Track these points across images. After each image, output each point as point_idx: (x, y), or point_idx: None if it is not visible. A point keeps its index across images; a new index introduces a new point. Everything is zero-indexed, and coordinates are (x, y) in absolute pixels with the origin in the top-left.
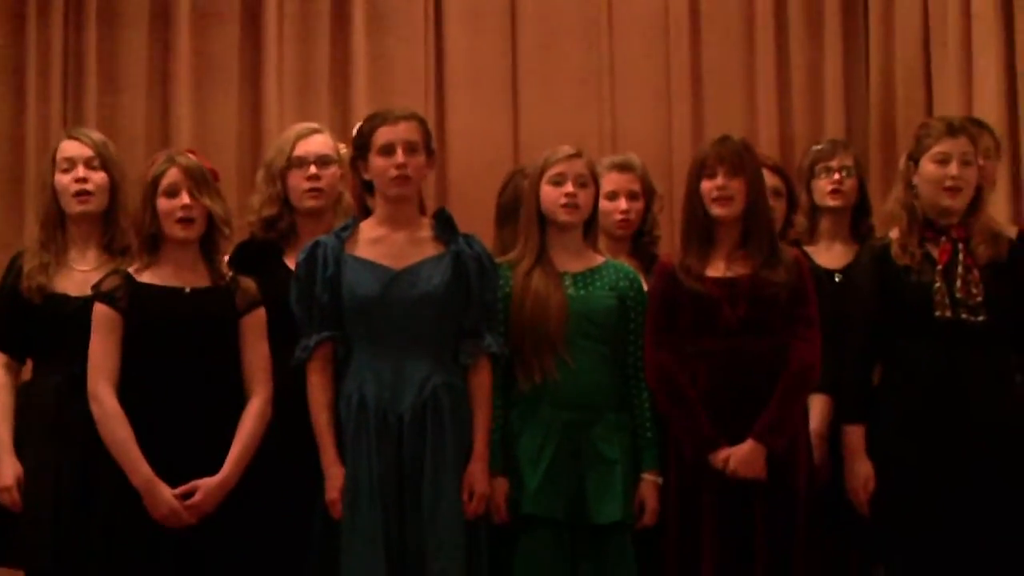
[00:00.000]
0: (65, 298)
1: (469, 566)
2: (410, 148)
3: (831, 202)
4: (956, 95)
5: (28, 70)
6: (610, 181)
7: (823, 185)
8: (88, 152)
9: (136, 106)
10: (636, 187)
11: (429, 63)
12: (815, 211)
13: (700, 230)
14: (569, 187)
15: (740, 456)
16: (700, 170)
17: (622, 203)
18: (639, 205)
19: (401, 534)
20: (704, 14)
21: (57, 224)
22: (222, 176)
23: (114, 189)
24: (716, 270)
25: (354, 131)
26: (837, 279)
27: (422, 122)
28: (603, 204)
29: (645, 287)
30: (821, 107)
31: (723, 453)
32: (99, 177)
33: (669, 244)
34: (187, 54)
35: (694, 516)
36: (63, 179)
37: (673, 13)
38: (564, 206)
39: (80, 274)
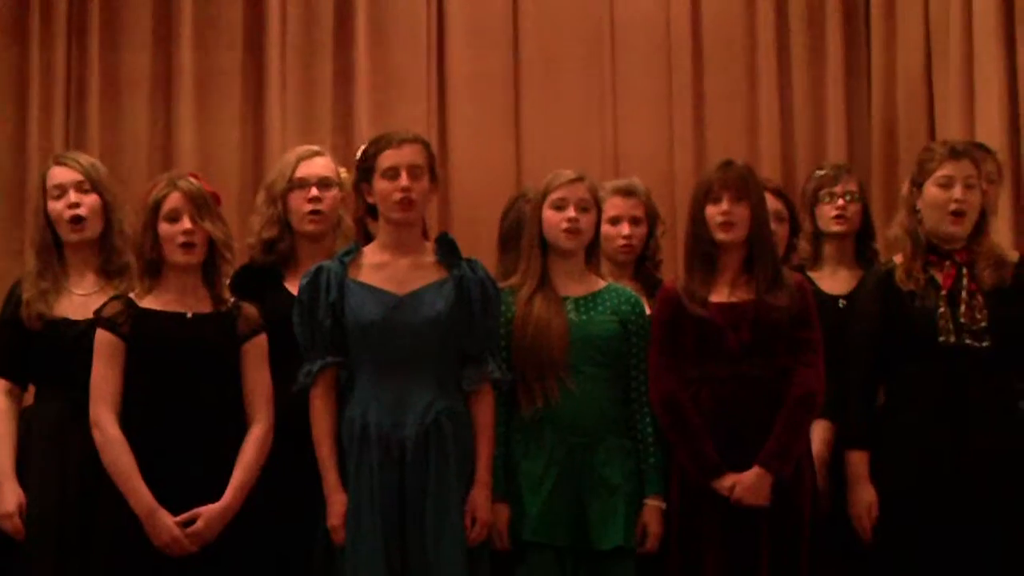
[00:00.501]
0: (66, 323)
1: None
2: (414, 172)
3: (835, 228)
4: (958, 118)
5: (31, 89)
6: (613, 206)
7: (827, 211)
8: (77, 176)
9: (139, 126)
10: (639, 212)
11: (432, 82)
12: (819, 236)
13: (704, 255)
14: (571, 212)
15: (746, 483)
16: (705, 195)
17: (625, 228)
18: (642, 230)
19: (404, 560)
20: (706, 35)
21: (52, 250)
22: (224, 195)
23: (107, 210)
24: (720, 295)
25: (358, 153)
26: (841, 304)
27: (427, 145)
28: (606, 229)
29: (648, 311)
30: (823, 129)
31: (728, 480)
32: (91, 200)
33: (671, 266)
34: (190, 73)
35: (696, 541)
36: (56, 206)
37: (675, 35)
38: (566, 231)
39: (80, 298)
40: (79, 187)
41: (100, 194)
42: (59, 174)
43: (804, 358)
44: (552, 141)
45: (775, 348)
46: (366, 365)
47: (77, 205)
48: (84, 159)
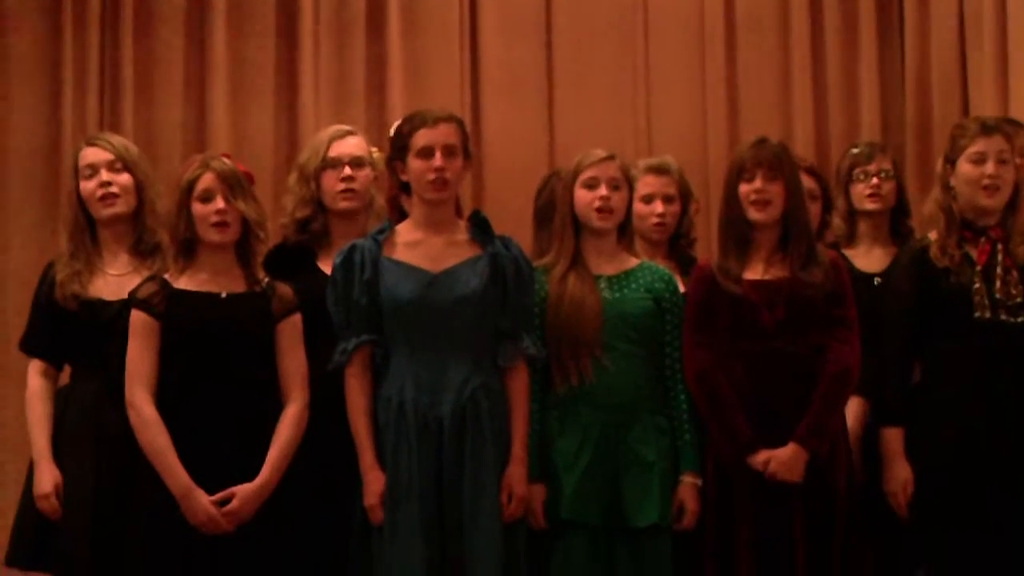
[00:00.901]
0: (101, 303)
1: (507, 570)
2: (449, 151)
3: (870, 206)
4: (992, 94)
5: (64, 77)
6: (646, 184)
7: (861, 189)
8: (109, 156)
9: (172, 112)
10: (672, 190)
11: (465, 66)
12: (853, 215)
13: (738, 233)
14: (603, 191)
15: (781, 459)
16: (738, 173)
17: (658, 206)
18: (675, 208)
19: (441, 538)
20: (739, 16)
21: (85, 231)
22: (258, 180)
23: (139, 189)
24: (754, 273)
25: (392, 131)
26: (876, 282)
27: (460, 124)
28: (639, 207)
29: (681, 289)
30: (857, 108)
31: (762, 455)
32: (123, 179)
33: (705, 246)
34: (223, 59)
35: (731, 518)
36: (88, 186)
37: (708, 15)
38: (598, 210)
39: (114, 278)
40: (111, 167)
41: (132, 173)
42: (91, 154)
43: (839, 334)
44: (585, 125)
45: (809, 325)
46: (401, 343)
47: (109, 184)
48: (116, 139)
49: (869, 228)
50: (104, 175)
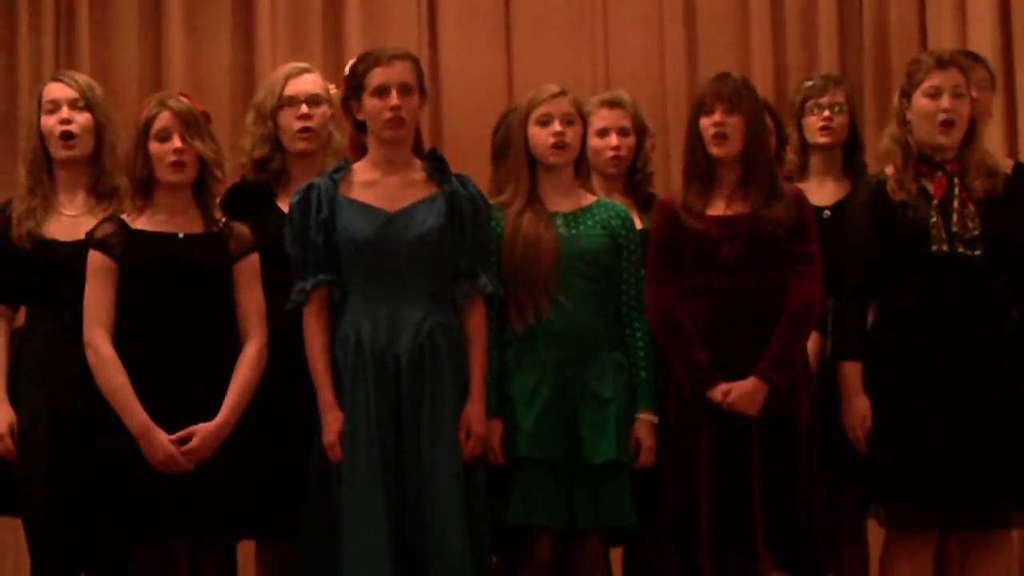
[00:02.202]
0: (55, 244)
1: (467, 506)
2: (404, 89)
3: (821, 139)
4: (950, 27)
5: (19, 15)
6: (600, 118)
7: (813, 122)
8: (73, 94)
9: (129, 46)
10: (626, 123)
11: (422, 3)
12: (806, 148)
13: (701, 168)
14: (556, 126)
15: (741, 391)
16: (699, 107)
17: (613, 139)
18: (630, 141)
19: (400, 475)
20: None
21: (44, 168)
22: (216, 119)
23: (99, 130)
24: (716, 208)
25: (346, 70)
26: (825, 215)
27: (416, 61)
28: (593, 141)
29: (639, 225)
30: (815, 41)
31: (722, 387)
32: (84, 118)
33: (663, 183)
34: None
35: (692, 456)
36: (48, 121)
37: None
38: (553, 146)
39: (69, 219)
40: (73, 104)
41: (94, 113)
42: (54, 90)
43: (802, 269)
44: (543, 60)
45: (770, 261)
46: (358, 282)
47: (69, 121)
48: (81, 78)
49: (821, 162)
50: (65, 112)
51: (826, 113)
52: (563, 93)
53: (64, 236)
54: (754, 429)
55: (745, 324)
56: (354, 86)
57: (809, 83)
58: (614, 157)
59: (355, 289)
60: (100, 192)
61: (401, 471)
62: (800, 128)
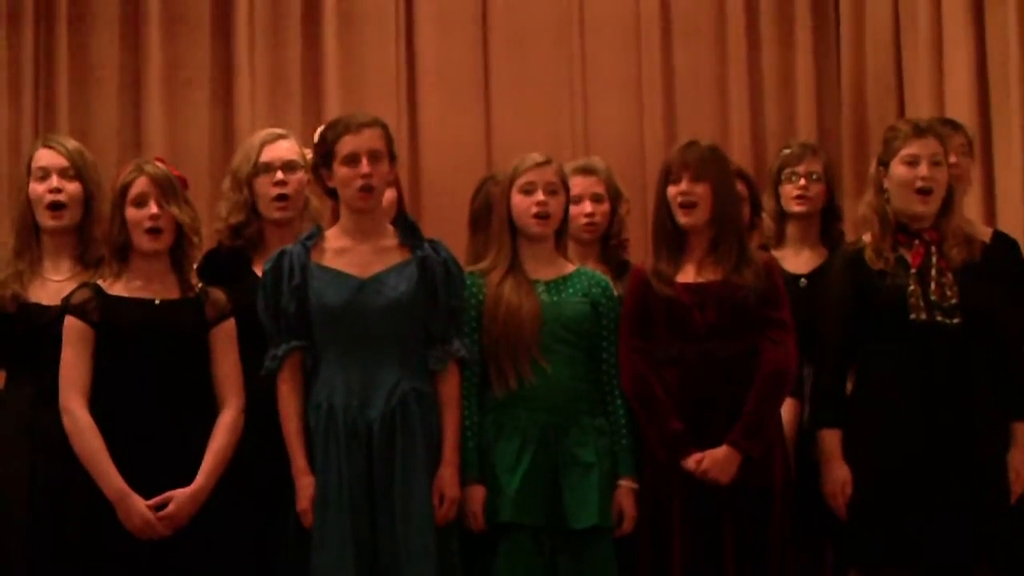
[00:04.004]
0: (39, 308)
1: (441, 572)
2: (374, 157)
3: (796, 208)
4: (927, 94)
5: None
6: (574, 185)
7: (789, 190)
8: (63, 162)
9: (108, 110)
10: (600, 189)
11: (400, 65)
12: (783, 216)
13: (670, 236)
14: (540, 196)
15: (713, 459)
16: (666, 176)
17: (587, 206)
18: (604, 208)
19: (373, 542)
20: (675, 16)
21: (32, 233)
22: (194, 183)
23: (88, 200)
24: (687, 276)
25: (316, 137)
26: (802, 283)
27: (384, 127)
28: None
29: (616, 293)
30: (793, 108)
31: (696, 456)
32: (73, 188)
33: (642, 248)
34: (158, 57)
35: (667, 522)
36: (37, 188)
37: (644, 15)
38: (536, 216)
39: (54, 284)
40: (63, 173)
41: (83, 182)
42: (45, 157)
43: (774, 335)
44: (522, 123)
45: (741, 328)
46: (331, 348)
47: (59, 191)
48: (71, 144)
49: (797, 230)
50: (55, 181)
51: (802, 182)
52: (548, 162)
53: (48, 300)
54: (727, 497)
55: (718, 391)
56: (324, 154)
57: (787, 151)
58: (588, 224)
59: (327, 355)
60: (87, 260)
61: (374, 536)
62: (777, 196)
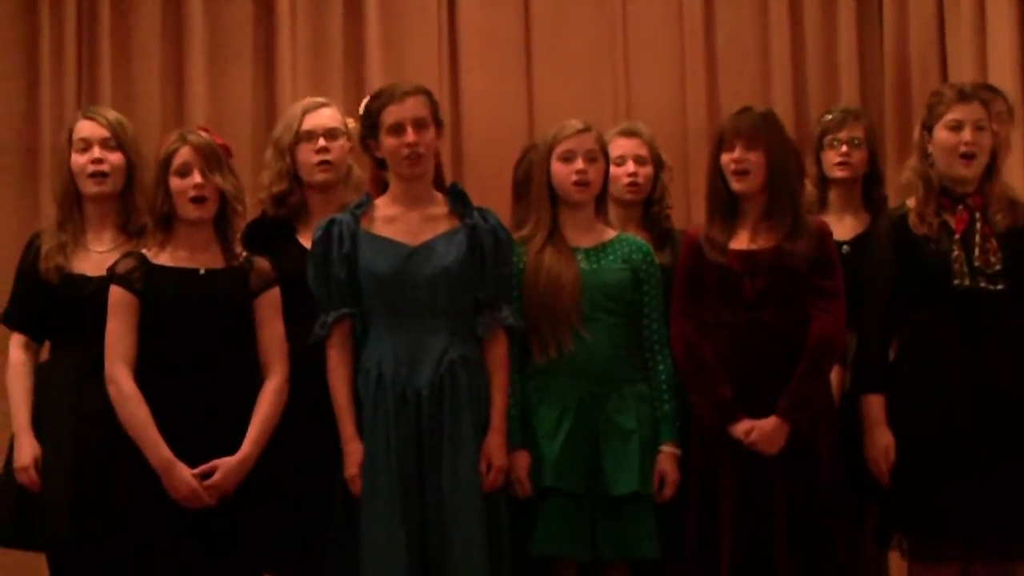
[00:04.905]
0: (83, 279)
1: (489, 539)
2: (419, 124)
3: (839, 174)
4: (971, 60)
5: (42, 46)
6: (617, 147)
7: (831, 156)
8: (104, 132)
9: (150, 82)
10: (643, 152)
11: (443, 35)
12: (824, 181)
13: (723, 203)
14: (579, 164)
15: (762, 431)
16: (719, 143)
17: (630, 166)
18: (647, 170)
19: (421, 508)
20: None
21: (74, 204)
22: (237, 152)
23: (130, 169)
24: (740, 242)
25: (361, 109)
26: (844, 250)
27: (429, 95)
28: (611, 170)
29: (656, 260)
30: (835, 75)
31: (744, 425)
32: (115, 158)
33: (682, 217)
34: (200, 30)
35: (714, 489)
36: (79, 160)
37: None
38: (575, 184)
39: (97, 255)
40: (104, 144)
41: (125, 152)
42: (86, 128)
43: (824, 305)
44: (563, 91)
45: (792, 296)
46: (380, 316)
47: (101, 161)
48: (111, 115)
49: (840, 196)
50: (97, 152)
51: (844, 148)
52: (587, 129)
53: (92, 271)
54: (775, 466)
55: (766, 360)
56: (370, 125)
57: (828, 117)
58: (631, 184)
59: (377, 322)
60: (130, 230)
61: (422, 503)
62: (819, 162)
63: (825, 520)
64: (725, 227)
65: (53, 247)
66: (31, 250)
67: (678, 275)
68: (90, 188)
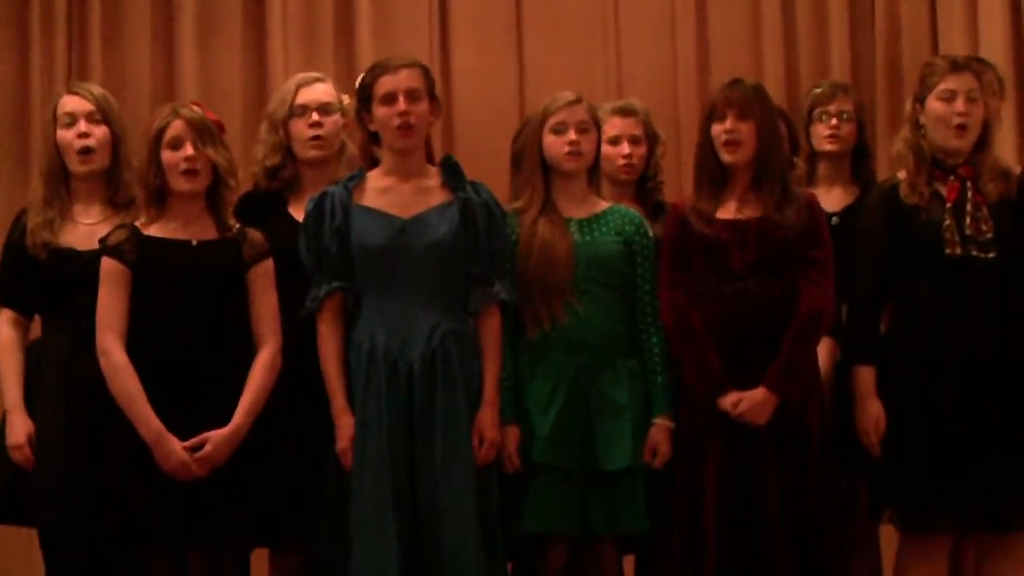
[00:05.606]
0: (72, 253)
1: (480, 512)
2: (412, 96)
3: (828, 147)
4: (961, 32)
5: (32, 22)
6: (612, 126)
7: (820, 130)
8: (89, 107)
9: (141, 57)
10: (638, 131)
11: (433, 8)
12: (814, 155)
13: (712, 173)
14: (571, 135)
15: (751, 402)
16: (710, 114)
17: (625, 148)
18: (642, 150)
19: (412, 482)
20: None
21: (60, 179)
22: (228, 127)
23: (116, 143)
24: (727, 212)
25: (357, 83)
26: (833, 222)
27: (424, 69)
28: (606, 149)
29: (650, 232)
30: (827, 46)
31: (732, 396)
32: (101, 132)
33: (674, 188)
34: (191, 6)
35: (701, 461)
36: (65, 135)
37: None
38: (568, 154)
39: (85, 228)
40: (90, 117)
41: (111, 126)
42: (70, 103)
43: (813, 276)
44: (554, 64)
45: (780, 266)
46: (372, 289)
47: (87, 135)
48: (96, 90)
49: (829, 169)
50: (83, 126)
51: (833, 121)
52: (578, 101)
53: (81, 245)
54: (764, 438)
55: (754, 330)
56: (364, 97)
57: (817, 90)
58: (626, 165)
59: (369, 296)
60: (117, 203)
61: (413, 477)
62: (808, 135)
63: (815, 493)
64: (713, 198)
65: (39, 223)
66: (18, 226)
67: (664, 246)
68: (78, 167)
